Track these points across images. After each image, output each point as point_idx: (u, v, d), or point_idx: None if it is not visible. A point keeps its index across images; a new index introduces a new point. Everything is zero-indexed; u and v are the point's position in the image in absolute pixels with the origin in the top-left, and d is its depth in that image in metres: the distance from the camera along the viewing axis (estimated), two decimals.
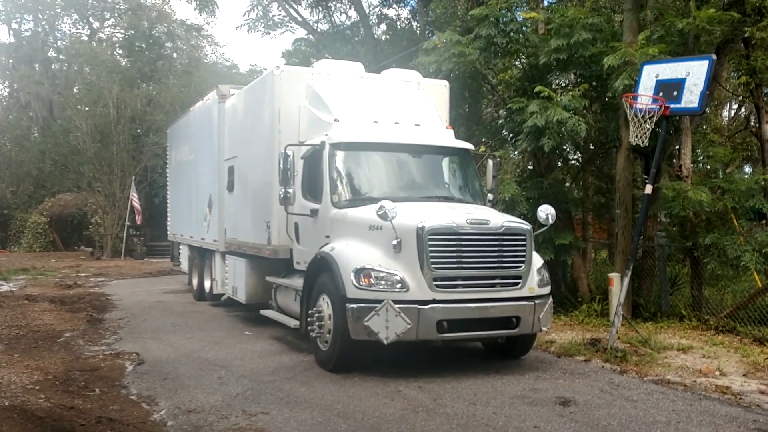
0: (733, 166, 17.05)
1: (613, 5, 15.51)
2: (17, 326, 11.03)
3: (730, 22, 10.81)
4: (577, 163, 15.22)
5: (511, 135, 13.53)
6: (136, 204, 28.75)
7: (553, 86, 12.62)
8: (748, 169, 20.71)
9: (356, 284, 7.58)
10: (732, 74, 16.13)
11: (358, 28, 27.79)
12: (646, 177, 10.61)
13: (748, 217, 11.59)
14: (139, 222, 29.44)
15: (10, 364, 8.29)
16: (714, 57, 9.32)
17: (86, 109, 32.94)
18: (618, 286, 10.00)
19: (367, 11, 27.37)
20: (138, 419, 6.18)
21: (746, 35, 11.88)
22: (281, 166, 8.78)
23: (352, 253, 7.92)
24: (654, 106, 9.17)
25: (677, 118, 10.77)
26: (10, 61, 40.07)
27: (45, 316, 12.12)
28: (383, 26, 28.53)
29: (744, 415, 6.41)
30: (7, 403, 6.46)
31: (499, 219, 8.11)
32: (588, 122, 11.80)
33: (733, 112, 22.80)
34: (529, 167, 15.12)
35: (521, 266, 7.99)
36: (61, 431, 5.71)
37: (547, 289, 8.36)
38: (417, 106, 10.15)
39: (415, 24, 26.56)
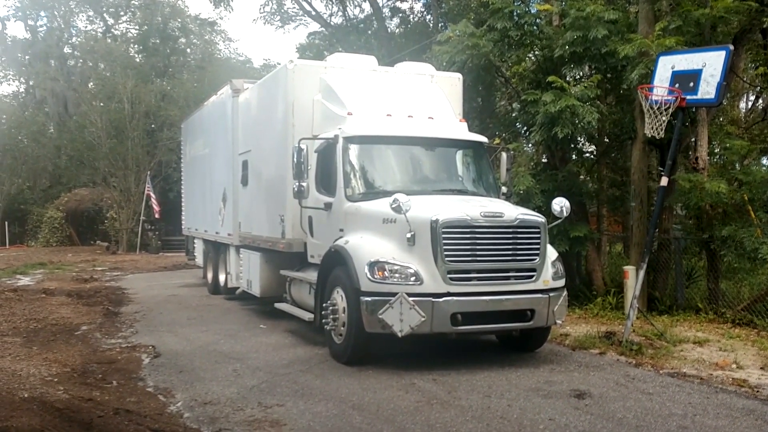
0: (751, 158, 16.81)
1: None
2: (35, 319, 11.17)
3: (747, 11, 10.67)
4: (592, 156, 15.12)
5: (524, 128, 13.46)
6: (154, 202, 28.99)
7: (568, 78, 12.52)
8: (765, 161, 20.46)
9: (370, 277, 7.59)
10: (749, 65, 15.93)
11: (372, 22, 27.81)
12: (661, 169, 10.52)
13: (766, 209, 11.46)
14: (157, 216, 29.67)
15: (29, 357, 8.41)
16: (731, 47, 9.19)
17: (101, 104, 33.22)
18: (633, 279, 9.94)
19: (380, 4, 27.36)
20: (155, 411, 6.24)
21: (764, 25, 11.72)
22: (295, 159, 8.79)
23: (366, 246, 7.92)
24: (670, 98, 9.09)
25: (693, 109, 10.65)
26: (26, 57, 40.46)
27: (62, 310, 12.26)
28: (396, 19, 28.50)
29: (761, 408, 6.36)
30: (26, 395, 6.54)
31: (513, 212, 8.09)
32: (601, 111, 11.72)
33: (750, 104, 22.53)
34: (543, 160, 15.05)
35: (535, 259, 7.97)
36: (80, 423, 5.77)
37: (561, 282, 8.33)
38: (430, 99, 10.12)
39: (428, 17, 26.50)
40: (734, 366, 7.94)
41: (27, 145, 36.99)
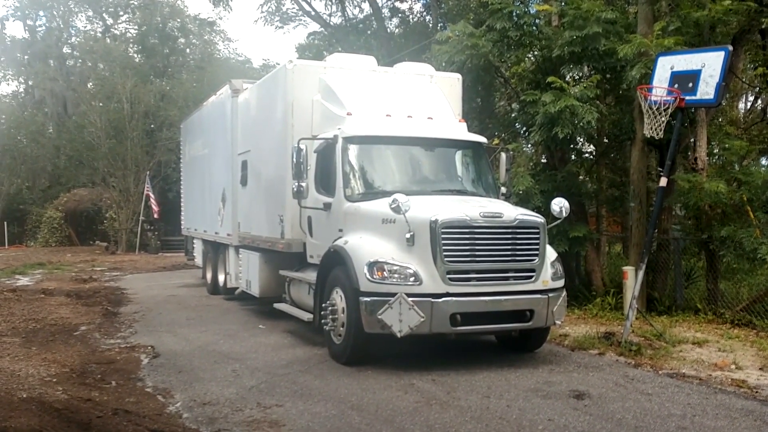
0: (750, 159, 16.83)
1: None
2: (34, 320, 11.16)
3: (746, 12, 10.68)
4: (591, 156, 15.13)
5: (524, 128, 13.47)
6: (153, 202, 28.98)
7: (567, 78, 12.53)
8: (764, 161, 20.47)
9: (369, 278, 7.59)
10: (748, 65, 15.95)
11: (371, 22, 27.84)
12: (660, 169, 10.52)
13: (765, 209, 11.47)
14: (156, 216, 29.68)
15: (27, 357, 8.40)
16: (730, 48, 9.20)
17: (100, 104, 33.22)
18: (632, 280, 9.94)
19: (380, 4, 27.39)
20: (154, 411, 6.24)
21: (763, 26, 11.73)
22: (294, 159, 8.79)
23: (366, 246, 7.92)
24: (669, 98, 9.09)
25: (692, 109, 10.66)
26: (25, 57, 40.44)
27: (61, 310, 12.25)
28: (396, 20, 28.53)
29: (760, 409, 6.37)
30: (25, 395, 6.54)
31: (512, 212, 8.09)
32: (600, 111, 11.73)
33: (749, 104, 22.55)
34: (543, 160, 15.05)
35: (535, 259, 7.97)
36: (79, 423, 5.76)
37: (560, 283, 8.34)
38: (430, 100, 10.13)
39: (428, 17, 26.53)
40: (733, 366, 7.95)
41: (26, 145, 36.99)
